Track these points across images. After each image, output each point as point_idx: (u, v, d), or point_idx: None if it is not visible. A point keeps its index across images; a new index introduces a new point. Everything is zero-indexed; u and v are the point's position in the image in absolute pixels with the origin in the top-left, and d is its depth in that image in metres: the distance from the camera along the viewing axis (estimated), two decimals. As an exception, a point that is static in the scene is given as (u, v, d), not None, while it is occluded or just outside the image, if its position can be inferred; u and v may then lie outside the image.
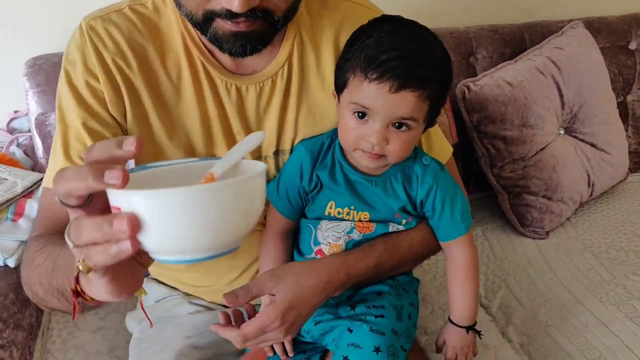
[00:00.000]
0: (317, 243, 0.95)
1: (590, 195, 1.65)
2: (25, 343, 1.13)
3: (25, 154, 1.46)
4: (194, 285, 1.09)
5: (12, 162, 1.40)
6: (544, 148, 1.54)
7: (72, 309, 0.59)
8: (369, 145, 0.85)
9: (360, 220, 0.94)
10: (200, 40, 0.90)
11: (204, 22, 0.80)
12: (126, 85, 0.88)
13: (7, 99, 1.54)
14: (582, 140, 1.63)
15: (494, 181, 1.56)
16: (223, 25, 0.79)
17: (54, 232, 0.84)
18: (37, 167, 1.43)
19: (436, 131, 1.05)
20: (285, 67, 0.93)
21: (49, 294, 0.76)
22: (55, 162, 0.89)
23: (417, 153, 0.94)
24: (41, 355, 1.18)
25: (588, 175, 1.61)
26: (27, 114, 1.47)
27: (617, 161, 1.67)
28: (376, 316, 0.92)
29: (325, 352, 1.00)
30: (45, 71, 1.42)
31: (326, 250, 0.94)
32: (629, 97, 1.80)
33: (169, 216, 0.49)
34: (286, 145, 0.97)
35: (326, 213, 0.94)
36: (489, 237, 1.59)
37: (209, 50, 0.91)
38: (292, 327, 0.86)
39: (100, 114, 0.88)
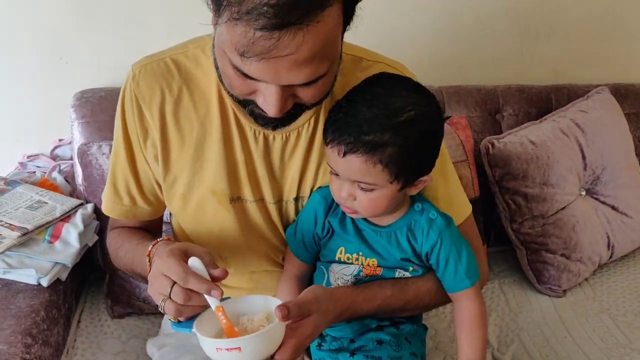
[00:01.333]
0: (329, 284, 1.00)
1: (610, 257, 1.66)
2: (51, 360, 1.19)
3: (66, 180, 1.55)
4: None
5: (53, 187, 1.49)
6: (564, 207, 1.57)
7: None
8: (341, 199, 0.92)
9: (368, 265, 0.98)
10: None
11: (242, 102, 0.88)
12: (160, 134, 0.98)
13: (53, 128, 1.64)
14: (604, 203, 1.65)
15: (513, 236, 1.59)
16: (259, 112, 0.87)
17: (124, 229, 1.11)
18: (75, 193, 1.51)
19: (457, 188, 1.09)
20: (312, 121, 0.98)
21: (134, 275, 1.07)
22: (106, 187, 1.08)
23: (424, 207, 0.98)
24: (65, 372, 1.24)
25: (608, 237, 1.63)
26: (70, 143, 1.56)
27: (638, 226, 1.68)
28: None
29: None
30: (91, 104, 1.52)
31: None
32: (654, 163, 1.81)
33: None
34: (306, 192, 1.03)
35: (337, 258, 0.99)
36: (505, 290, 1.61)
37: (222, 82, 0.97)
38: (303, 350, 0.90)
39: (139, 156, 1.02)
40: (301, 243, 1.01)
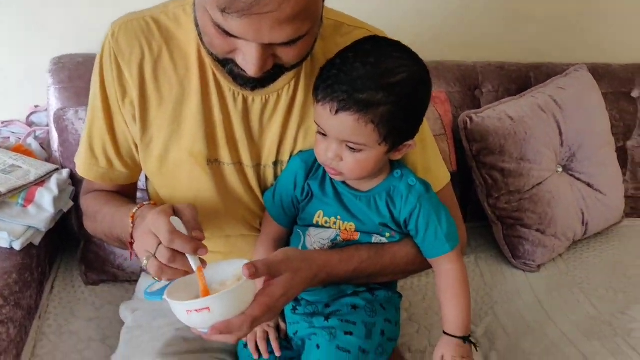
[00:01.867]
0: (305, 248, 1.00)
1: (584, 234, 1.68)
2: (23, 322, 1.18)
3: (42, 146, 1.53)
4: None
5: (27, 152, 1.47)
6: (540, 183, 1.58)
7: (130, 253, 0.92)
8: (327, 160, 0.91)
9: (345, 230, 0.98)
10: None
11: (222, 61, 0.87)
12: (138, 92, 0.97)
13: (29, 94, 1.61)
14: (579, 180, 1.67)
15: (489, 211, 1.60)
16: (239, 71, 0.86)
17: (100, 193, 1.09)
18: (51, 159, 1.50)
19: (435, 157, 1.09)
20: (292, 83, 0.98)
21: (110, 239, 1.05)
22: (82, 149, 1.06)
23: (403, 173, 0.98)
24: (36, 335, 1.23)
25: (583, 213, 1.65)
26: (46, 110, 1.54)
27: (612, 203, 1.70)
28: (345, 332, 0.95)
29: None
30: (68, 70, 1.50)
31: None
32: (629, 143, 1.84)
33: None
34: (285, 157, 1.03)
35: (314, 221, 0.99)
36: (481, 265, 1.63)
37: (202, 40, 0.96)
38: (277, 312, 0.90)
39: (117, 116, 1.00)
40: (280, 206, 1.01)
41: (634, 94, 1.83)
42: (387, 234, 0.99)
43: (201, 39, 0.88)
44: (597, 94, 1.69)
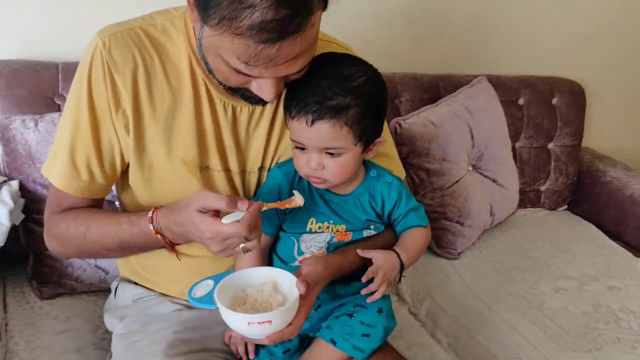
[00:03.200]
0: (300, 253, 1.08)
1: (492, 223, 1.93)
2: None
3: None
4: (177, 288, 1.16)
5: (-37, 164, 1.38)
6: (458, 180, 1.80)
7: (175, 253, 1.03)
8: (310, 171, 1.00)
9: (338, 232, 1.09)
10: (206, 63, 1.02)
11: (235, 88, 0.95)
12: (132, 102, 0.99)
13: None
14: (487, 177, 1.91)
15: (418, 207, 1.78)
16: (252, 95, 0.94)
17: (78, 211, 1.06)
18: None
19: (395, 156, 1.24)
20: None
21: (106, 252, 1.07)
22: (58, 162, 1.03)
23: (379, 173, 1.11)
24: (6, 355, 1.18)
25: (491, 206, 1.89)
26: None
27: (512, 196, 1.97)
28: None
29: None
30: (5, 76, 1.44)
31: None
32: (517, 144, 2.12)
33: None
34: (268, 163, 1.11)
35: (307, 229, 1.07)
36: (412, 256, 1.80)
37: (212, 72, 1.02)
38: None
39: (106, 127, 1.01)
40: (264, 217, 1.05)
41: (520, 102, 2.11)
42: (373, 227, 1.12)
43: (208, 69, 0.95)
44: (497, 101, 1.95)
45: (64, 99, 1.45)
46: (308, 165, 0.99)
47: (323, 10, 0.88)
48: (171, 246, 1.00)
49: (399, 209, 1.12)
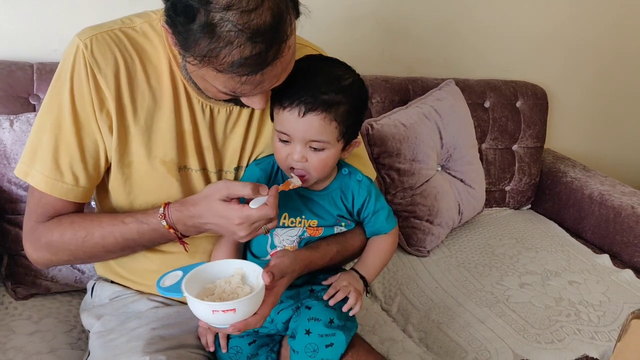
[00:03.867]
0: (273, 247, 1.12)
1: (460, 221, 1.99)
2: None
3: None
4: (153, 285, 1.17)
5: None
6: (427, 180, 1.85)
7: (183, 246, 1.06)
8: (293, 163, 1.03)
9: (309, 226, 1.12)
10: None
11: (223, 100, 0.99)
12: (115, 103, 1.01)
13: None
14: (455, 177, 1.97)
15: (389, 206, 1.83)
16: (240, 103, 1.00)
17: (70, 217, 1.06)
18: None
19: (366, 157, 1.28)
20: None
21: (107, 254, 1.08)
22: (38, 164, 1.03)
23: (350, 171, 1.16)
24: (-20, 356, 1.17)
25: (459, 205, 1.95)
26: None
27: (479, 195, 2.04)
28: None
29: (281, 341, 1.15)
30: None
31: None
32: (484, 145, 2.19)
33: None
34: (244, 162, 1.15)
35: (281, 223, 1.11)
36: (384, 254, 1.85)
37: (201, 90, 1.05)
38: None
39: (90, 128, 1.02)
40: None
41: (486, 104, 2.19)
42: (343, 224, 1.16)
43: (197, 86, 1.00)
44: (464, 104, 2.01)
45: (39, 99, 1.45)
46: (291, 157, 1.02)
47: (296, 18, 0.92)
48: (181, 239, 1.03)
49: (368, 207, 1.16)
